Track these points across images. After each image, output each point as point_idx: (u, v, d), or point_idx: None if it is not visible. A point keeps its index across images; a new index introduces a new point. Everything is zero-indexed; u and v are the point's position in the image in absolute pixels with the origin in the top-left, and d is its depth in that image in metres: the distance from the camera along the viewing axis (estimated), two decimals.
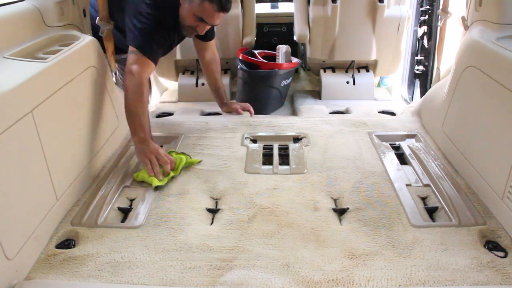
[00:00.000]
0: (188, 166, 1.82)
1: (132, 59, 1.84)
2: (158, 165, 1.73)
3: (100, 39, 2.01)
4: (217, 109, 2.57)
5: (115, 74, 2.14)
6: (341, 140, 2.04)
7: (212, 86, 2.50)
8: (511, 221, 1.35)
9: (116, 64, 2.18)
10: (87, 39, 1.79)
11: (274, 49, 3.04)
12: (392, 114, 2.59)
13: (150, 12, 1.87)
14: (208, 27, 1.98)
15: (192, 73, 3.30)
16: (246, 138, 2.08)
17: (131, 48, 1.86)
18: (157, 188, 1.65)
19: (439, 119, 1.93)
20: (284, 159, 1.91)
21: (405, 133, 2.10)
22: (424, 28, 2.90)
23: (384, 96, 3.24)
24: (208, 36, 2.33)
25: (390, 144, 1.99)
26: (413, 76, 3.08)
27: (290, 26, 3.58)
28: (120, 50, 2.17)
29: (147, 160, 1.73)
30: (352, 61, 3.17)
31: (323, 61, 3.20)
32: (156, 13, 1.88)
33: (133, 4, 1.90)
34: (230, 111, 2.47)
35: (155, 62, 1.90)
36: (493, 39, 1.58)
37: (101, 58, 1.90)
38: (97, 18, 2.03)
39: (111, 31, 2.08)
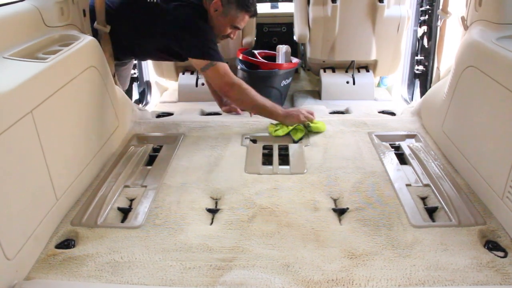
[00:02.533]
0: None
1: (214, 73, 2.05)
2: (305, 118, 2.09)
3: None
4: (217, 109, 2.57)
5: (113, 76, 2.14)
6: (341, 140, 2.04)
7: (211, 87, 2.51)
8: (511, 221, 1.35)
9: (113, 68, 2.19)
10: (87, 39, 1.79)
11: (274, 49, 3.04)
12: (392, 114, 2.59)
13: (201, 25, 2.05)
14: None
15: (192, 73, 3.30)
16: (246, 138, 2.08)
17: (203, 62, 2.04)
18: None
19: (439, 119, 1.93)
20: (284, 159, 1.91)
21: (405, 133, 2.10)
22: (424, 28, 2.90)
23: (384, 96, 3.24)
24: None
25: (390, 144, 1.99)
26: (413, 76, 3.08)
27: (290, 26, 3.58)
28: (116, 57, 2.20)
29: (302, 120, 2.10)
30: (352, 61, 3.17)
31: (323, 61, 3.20)
32: (204, 24, 2.08)
33: (173, 21, 2.04)
34: (230, 111, 2.47)
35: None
36: (493, 39, 1.58)
37: (101, 58, 1.90)
38: (95, 22, 2.04)
39: (108, 35, 2.08)
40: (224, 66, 2.05)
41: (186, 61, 3.19)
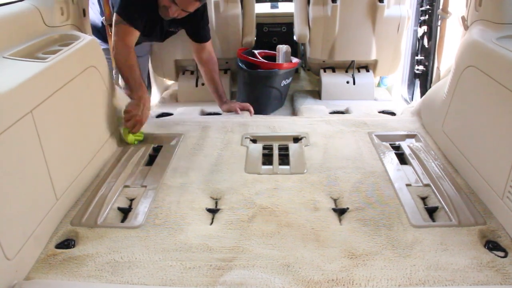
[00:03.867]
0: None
1: (116, 30, 2.03)
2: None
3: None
4: (217, 109, 2.57)
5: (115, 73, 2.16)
6: (341, 140, 2.04)
7: (211, 86, 2.51)
8: (511, 221, 1.35)
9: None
10: (87, 39, 1.79)
11: (274, 49, 3.04)
12: (392, 114, 2.59)
13: None
14: (181, 13, 2.08)
15: (192, 73, 3.30)
16: (246, 138, 2.08)
17: (115, 17, 2.04)
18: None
19: (439, 119, 1.93)
20: (284, 159, 1.91)
21: (405, 133, 2.10)
22: (424, 28, 2.90)
23: (384, 96, 3.24)
24: (204, 37, 2.36)
25: (390, 144, 1.99)
26: (413, 76, 3.08)
27: (290, 26, 3.58)
28: None
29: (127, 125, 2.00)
30: (352, 61, 3.17)
31: (323, 61, 3.20)
32: None
33: None
34: (230, 110, 2.47)
35: (138, 28, 2.06)
36: (493, 39, 1.58)
37: (101, 58, 1.90)
38: (103, 18, 2.10)
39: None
40: (129, 30, 2.03)
41: (187, 61, 3.24)
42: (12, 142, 1.21)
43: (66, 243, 1.37)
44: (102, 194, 1.62)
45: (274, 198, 1.58)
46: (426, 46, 2.89)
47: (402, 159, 1.87)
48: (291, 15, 3.33)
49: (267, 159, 1.91)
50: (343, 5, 2.91)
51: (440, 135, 1.92)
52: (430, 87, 2.46)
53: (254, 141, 2.08)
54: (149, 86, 3.36)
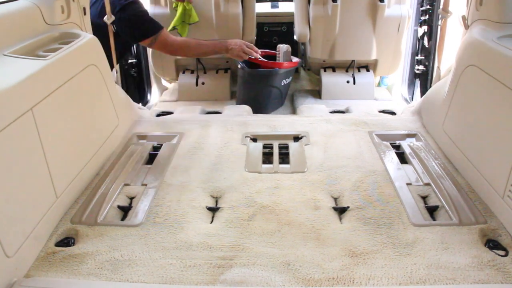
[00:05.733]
0: None
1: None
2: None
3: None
4: (217, 108, 2.57)
5: (116, 72, 2.16)
6: (341, 139, 2.04)
7: (202, 48, 2.57)
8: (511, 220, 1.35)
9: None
10: (87, 37, 1.79)
11: (274, 49, 3.04)
12: (393, 113, 2.59)
13: None
14: None
15: (192, 72, 3.30)
16: (246, 137, 2.07)
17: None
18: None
19: (440, 118, 1.92)
20: (284, 158, 1.91)
21: (406, 132, 2.10)
22: (425, 27, 2.90)
23: (385, 96, 3.24)
24: (150, 31, 2.39)
25: (390, 143, 1.99)
26: (414, 75, 3.09)
27: (290, 25, 3.58)
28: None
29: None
30: (353, 61, 3.17)
31: (324, 61, 3.21)
32: None
33: None
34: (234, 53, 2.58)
35: None
36: (493, 38, 1.57)
37: (101, 56, 1.90)
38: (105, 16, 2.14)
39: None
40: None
41: (187, 60, 3.24)
42: (12, 140, 1.21)
43: (66, 241, 1.37)
44: (102, 192, 1.62)
45: (275, 196, 1.58)
46: (427, 45, 2.89)
47: (403, 158, 1.87)
48: (291, 15, 3.33)
49: (267, 158, 1.91)
50: (344, 5, 2.92)
51: (441, 134, 1.92)
52: (430, 86, 2.46)
53: (254, 140, 2.07)
54: (149, 86, 3.37)
